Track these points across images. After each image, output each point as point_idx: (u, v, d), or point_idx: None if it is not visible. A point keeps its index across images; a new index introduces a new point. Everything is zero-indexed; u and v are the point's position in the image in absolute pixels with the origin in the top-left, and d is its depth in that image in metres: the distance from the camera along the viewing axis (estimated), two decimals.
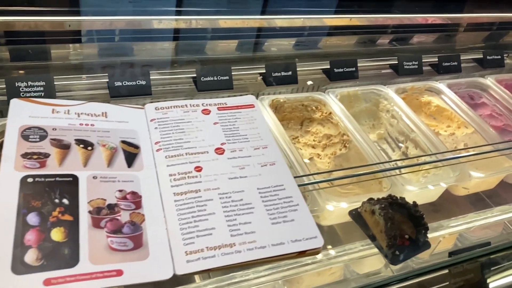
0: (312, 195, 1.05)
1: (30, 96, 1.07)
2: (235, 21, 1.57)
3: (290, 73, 1.43)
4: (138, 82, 1.21)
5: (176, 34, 1.40)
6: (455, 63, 1.75)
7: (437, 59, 1.72)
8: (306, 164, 1.12)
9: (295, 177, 1.08)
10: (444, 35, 1.97)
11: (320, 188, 1.06)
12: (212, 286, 0.99)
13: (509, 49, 2.04)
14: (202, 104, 0.97)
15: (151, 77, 1.23)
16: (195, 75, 1.30)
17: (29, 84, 1.09)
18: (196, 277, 1.01)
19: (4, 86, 1.07)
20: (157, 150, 0.89)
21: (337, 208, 1.06)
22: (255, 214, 0.77)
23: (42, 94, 1.10)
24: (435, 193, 1.26)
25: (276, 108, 1.36)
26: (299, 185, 1.06)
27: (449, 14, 1.93)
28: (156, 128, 0.93)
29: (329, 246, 1.17)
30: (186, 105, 0.96)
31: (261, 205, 0.79)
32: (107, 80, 1.18)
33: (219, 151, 0.87)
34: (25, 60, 1.27)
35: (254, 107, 0.98)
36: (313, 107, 1.41)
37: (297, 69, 1.48)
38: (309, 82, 1.50)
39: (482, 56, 1.85)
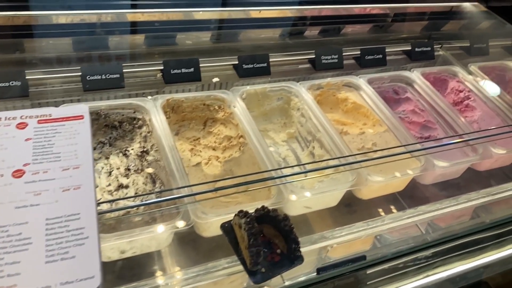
0: (185, 208, 0.98)
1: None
2: (144, 14, 1.48)
3: (192, 70, 1.34)
4: None
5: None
6: (380, 56, 1.68)
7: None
8: (186, 173, 1.04)
9: (170, 189, 1.01)
10: (373, 26, 1.90)
11: (196, 201, 0.99)
12: None
13: (443, 39, 1.98)
14: (21, 117, 0.86)
15: None
16: (80, 73, 1.20)
17: None
18: None
19: None
20: None
21: (215, 220, 1.00)
22: (30, 252, 0.68)
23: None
24: (333, 198, 1.20)
25: (173, 108, 1.28)
26: (173, 198, 1.00)
27: (379, 4, 1.86)
28: None
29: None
30: (0, 118, 0.86)
31: (42, 240, 0.70)
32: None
33: (18, 173, 0.77)
34: None
35: (83, 118, 0.88)
36: (216, 107, 1.33)
37: (205, 65, 1.40)
38: (215, 79, 1.42)
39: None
